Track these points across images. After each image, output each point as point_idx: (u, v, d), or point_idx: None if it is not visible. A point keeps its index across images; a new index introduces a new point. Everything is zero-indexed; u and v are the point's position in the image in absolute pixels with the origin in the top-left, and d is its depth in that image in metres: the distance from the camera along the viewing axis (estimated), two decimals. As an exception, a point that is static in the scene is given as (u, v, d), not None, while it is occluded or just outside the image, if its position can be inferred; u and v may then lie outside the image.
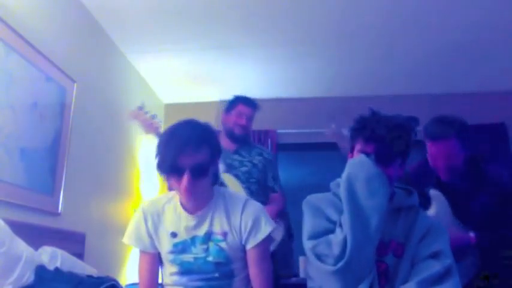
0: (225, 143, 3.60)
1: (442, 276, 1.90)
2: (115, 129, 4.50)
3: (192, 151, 2.04)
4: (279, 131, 5.58)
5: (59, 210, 3.35)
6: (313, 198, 2.14)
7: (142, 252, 2.30)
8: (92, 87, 3.94)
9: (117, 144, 4.51)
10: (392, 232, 2.03)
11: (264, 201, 3.49)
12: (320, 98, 5.22)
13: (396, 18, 4.01)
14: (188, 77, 5.24)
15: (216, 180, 2.29)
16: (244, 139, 3.75)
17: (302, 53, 4.72)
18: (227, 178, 3.47)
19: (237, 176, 3.56)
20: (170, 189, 2.32)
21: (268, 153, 3.83)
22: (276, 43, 4.51)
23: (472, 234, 2.67)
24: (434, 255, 1.96)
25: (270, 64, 4.95)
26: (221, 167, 3.49)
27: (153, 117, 3.35)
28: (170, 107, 5.83)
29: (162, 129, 3.26)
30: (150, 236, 2.25)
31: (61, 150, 3.40)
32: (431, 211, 2.73)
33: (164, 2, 3.83)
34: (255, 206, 2.26)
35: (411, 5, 3.85)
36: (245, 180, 3.58)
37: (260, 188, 3.63)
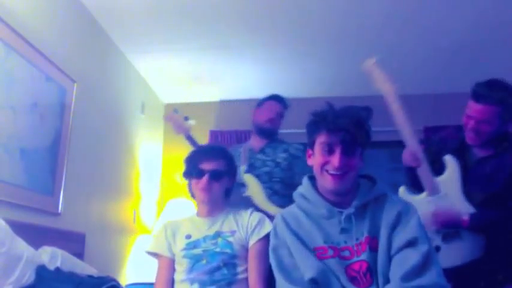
0: (254, 142, 3.77)
1: (422, 266, 1.86)
2: (115, 129, 4.51)
3: (211, 159, 2.56)
4: (279, 131, 5.58)
5: (59, 210, 3.36)
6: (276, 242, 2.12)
7: (161, 256, 2.55)
8: (92, 87, 3.95)
9: (117, 144, 4.52)
10: (364, 229, 2.00)
11: (291, 200, 3.50)
12: (320, 98, 5.18)
13: (396, 18, 4.01)
14: (188, 77, 5.24)
15: (229, 195, 2.69)
16: (272, 134, 3.79)
17: (302, 53, 4.72)
18: (248, 178, 3.56)
19: (258, 176, 3.59)
20: (192, 195, 2.66)
21: (296, 148, 3.76)
22: (277, 43, 4.52)
23: (465, 218, 2.65)
24: (410, 244, 1.92)
25: (270, 64, 4.96)
26: (243, 168, 3.57)
27: (186, 119, 3.71)
28: (170, 107, 5.79)
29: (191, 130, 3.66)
30: (167, 240, 2.56)
31: (61, 150, 3.41)
32: (443, 177, 2.76)
33: (164, 2, 3.83)
34: (258, 214, 2.59)
35: (411, 5, 3.85)
36: (267, 180, 3.60)
37: (285, 187, 3.56)
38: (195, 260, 2.45)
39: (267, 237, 2.36)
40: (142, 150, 5.00)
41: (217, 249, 2.45)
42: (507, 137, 2.77)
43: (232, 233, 2.52)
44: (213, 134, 5.47)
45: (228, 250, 2.45)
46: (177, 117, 3.72)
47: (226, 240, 2.48)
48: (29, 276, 2.23)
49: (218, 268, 2.41)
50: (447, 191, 2.74)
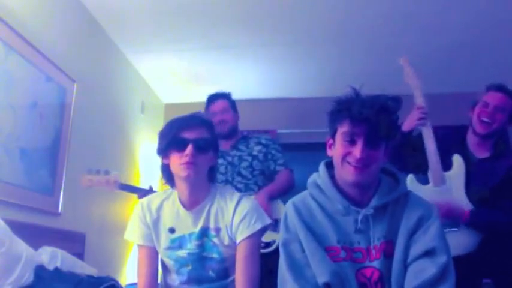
0: (220, 143, 3.64)
1: (438, 280, 1.80)
2: (115, 129, 4.50)
3: (195, 127, 2.21)
4: (279, 131, 5.58)
5: (59, 210, 3.35)
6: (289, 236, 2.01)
7: (142, 246, 2.32)
8: (91, 87, 3.94)
9: (117, 144, 4.52)
10: (381, 232, 1.92)
11: None
12: (320, 98, 5.18)
13: (396, 18, 4.00)
14: (188, 76, 5.24)
15: (213, 177, 2.35)
16: (231, 133, 3.70)
17: (302, 53, 4.71)
18: None
19: (239, 173, 3.57)
20: (168, 179, 2.33)
21: (266, 138, 3.78)
22: (276, 43, 4.51)
23: (466, 212, 2.76)
24: (428, 254, 1.85)
25: (270, 64, 4.95)
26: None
27: (106, 172, 3.28)
28: (170, 107, 5.83)
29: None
30: (148, 229, 2.29)
31: (61, 150, 3.41)
32: (450, 173, 2.87)
33: (164, 1, 3.83)
34: (248, 203, 2.29)
35: (410, 5, 3.85)
36: (249, 174, 3.58)
37: (265, 179, 3.61)
38: (180, 264, 2.27)
39: (258, 233, 2.24)
40: (142, 150, 4.99)
41: (204, 254, 2.24)
42: (503, 139, 2.97)
43: (217, 231, 2.25)
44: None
45: (214, 255, 2.25)
46: (96, 179, 3.23)
47: (212, 242, 2.24)
48: (28, 277, 2.23)
49: (207, 278, 2.26)
50: (452, 186, 2.84)
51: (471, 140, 2.97)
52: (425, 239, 1.88)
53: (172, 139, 2.19)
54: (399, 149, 2.93)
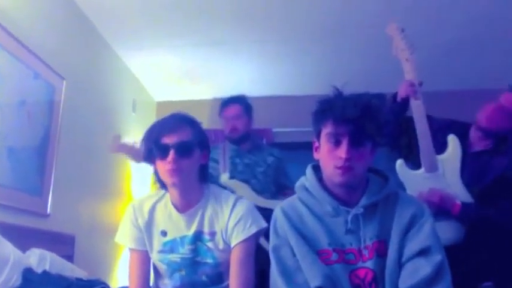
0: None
1: (433, 279, 1.81)
2: (105, 127, 4.49)
3: (175, 130, 2.14)
4: (274, 129, 5.58)
5: (48, 212, 3.34)
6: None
7: (133, 250, 2.30)
8: (81, 84, 3.93)
9: (108, 144, 4.47)
10: (372, 231, 1.92)
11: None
12: (316, 96, 5.19)
13: (393, 14, 3.98)
14: (181, 74, 5.23)
15: (205, 177, 2.32)
16: (244, 139, 3.73)
17: (298, 50, 4.71)
18: (235, 184, 3.49)
19: (255, 176, 3.62)
20: (161, 184, 2.30)
21: (278, 152, 3.87)
22: (271, 39, 4.50)
23: (457, 204, 2.66)
24: (422, 252, 1.86)
25: (265, 61, 4.95)
26: (224, 175, 3.51)
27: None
28: (162, 105, 5.82)
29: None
30: (140, 232, 2.27)
31: (50, 150, 3.39)
32: (443, 156, 2.75)
33: (156, -4, 3.81)
34: (244, 205, 2.26)
35: (408, 1, 3.85)
36: (263, 179, 3.63)
37: (276, 186, 3.70)
38: (173, 269, 2.25)
39: (253, 237, 2.22)
40: (133, 149, 4.97)
41: (197, 258, 2.23)
42: (507, 138, 2.85)
43: (212, 235, 2.22)
44: (207, 133, 5.44)
45: (209, 260, 2.23)
46: (130, 146, 3.27)
47: (206, 246, 2.22)
48: (16, 279, 2.21)
49: (200, 283, 2.24)
50: (445, 170, 2.74)
51: (473, 133, 2.89)
52: (420, 238, 1.89)
53: (153, 146, 2.15)
54: (392, 122, 2.86)
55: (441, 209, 2.66)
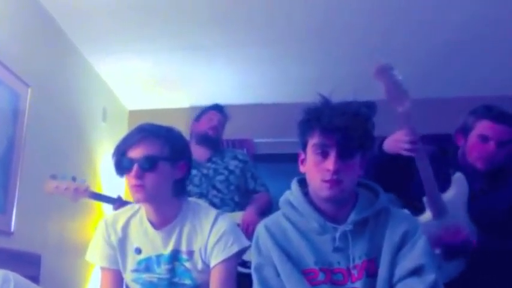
0: (197, 153, 3.56)
1: None
2: (74, 137, 4.48)
3: (140, 143, 2.12)
4: (255, 140, 5.59)
5: (12, 229, 3.32)
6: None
7: (105, 269, 2.29)
8: (48, 92, 3.93)
9: (76, 155, 4.49)
10: (361, 250, 1.91)
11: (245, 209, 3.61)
12: (302, 103, 5.18)
13: (385, 16, 4.01)
14: (155, 80, 5.24)
15: (181, 191, 2.28)
16: (216, 143, 3.82)
17: (281, 54, 4.72)
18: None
19: (214, 186, 3.62)
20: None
21: (243, 153, 3.97)
22: (252, 43, 4.50)
23: (474, 241, 2.59)
24: (416, 271, 1.85)
25: (245, 66, 4.96)
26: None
27: (73, 179, 3.14)
28: (135, 114, 5.83)
29: None
30: (113, 250, 2.26)
31: (14, 162, 3.38)
32: (449, 196, 2.66)
33: (128, -2, 3.81)
34: (225, 222, 2.25)
35: (399, 2, 3.86)
36: (225, 188, 3.64)
37: (241, 195, 3.70)
38: None
39: (235, 257, 2.22)
40: (104, 161, 4.95)
41: (175, 279, 2.21)
42: (505, 169, 2.80)
43: (190, 255, 2.21)
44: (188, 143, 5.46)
45: (187, 281, 2.22)
46: (64, 185, 3.09)
47: (184, 267, 2.21)
48: (-24, 304, 2.16)
49: None
50: (454, 212, 2.65)
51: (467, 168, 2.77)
52: (413, 256, 1.88)
53: (119, 160, 2.15)
54: (380, 171, 2.62)
55: (459, 248, 2.58)
